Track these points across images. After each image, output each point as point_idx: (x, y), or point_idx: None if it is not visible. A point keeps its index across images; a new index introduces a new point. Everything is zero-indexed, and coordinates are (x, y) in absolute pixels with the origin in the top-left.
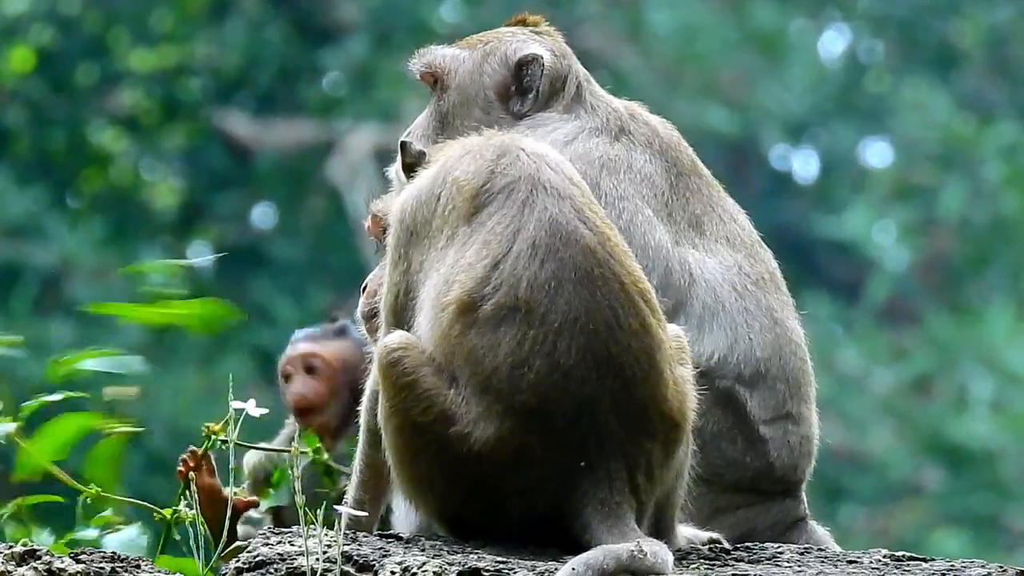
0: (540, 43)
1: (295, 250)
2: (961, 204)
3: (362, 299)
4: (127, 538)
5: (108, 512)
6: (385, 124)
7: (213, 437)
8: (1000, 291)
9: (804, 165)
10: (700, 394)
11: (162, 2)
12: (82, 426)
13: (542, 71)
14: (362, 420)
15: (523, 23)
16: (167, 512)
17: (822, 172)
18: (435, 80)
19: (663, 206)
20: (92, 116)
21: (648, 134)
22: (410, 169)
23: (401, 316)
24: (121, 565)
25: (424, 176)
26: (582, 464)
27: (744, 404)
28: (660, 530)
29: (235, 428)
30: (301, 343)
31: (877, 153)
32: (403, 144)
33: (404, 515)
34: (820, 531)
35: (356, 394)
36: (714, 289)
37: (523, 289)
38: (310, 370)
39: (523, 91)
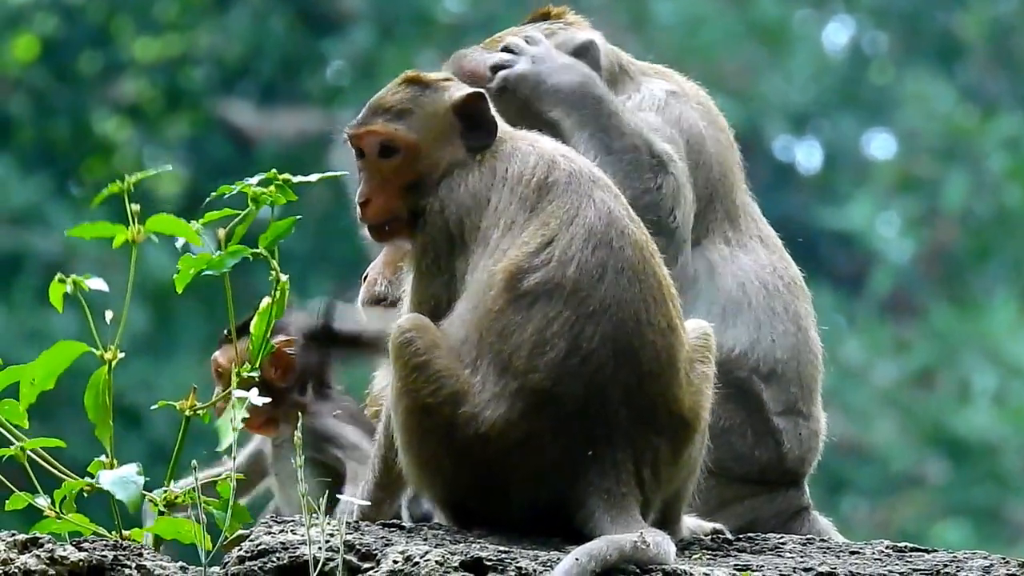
0: (584, 32)
1: (297, 240)
2: (964, 196)
3: (363, 288)
4: (123, 475)
5: (103, 458)
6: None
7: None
8: (1003, 283)
9: (807, 156)
10: (715, 388)
11: None
12: (74, 352)
13: (599, 54)
14: (382, 422)
15: (546, 16)
16: (169, 495)
17: (825, 163)
18: (477, 84)
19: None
20: (95, 105)
21: (703, 104)
22: (471, 121)
23: (436, 321)
24: (123, 553)
25: (468, 180)
26: (589, 453)
27: (759, 394)
28: (665, 521)
29: (237, 416)
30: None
31: (880, 145)
32: (481, 96)
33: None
34: (823, 521)
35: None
36: (743, 284)
37: (572, 269)
38: (219, 376)
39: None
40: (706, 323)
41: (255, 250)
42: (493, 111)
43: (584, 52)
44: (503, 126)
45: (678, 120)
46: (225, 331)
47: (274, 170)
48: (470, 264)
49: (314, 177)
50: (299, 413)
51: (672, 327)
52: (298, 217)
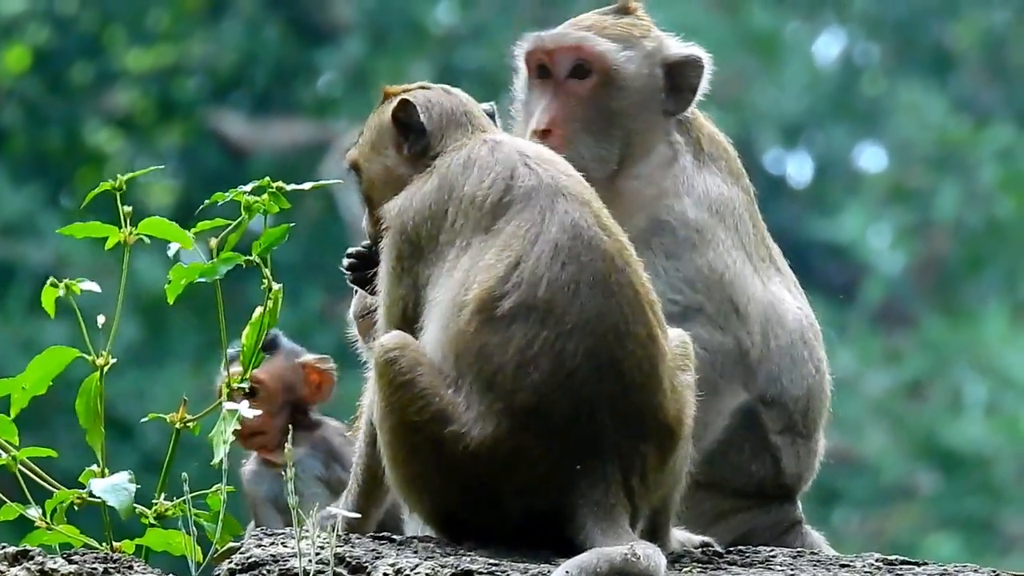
0: (687, 44)
1: (289, 251)
2: (956, 207)
3: (355, 300)
4: (115, 483)
5: (94, 467)
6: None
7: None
8: (995, 294)
9: (799, 168)
10: (714, 405)
11: (158, 1)
12: (66, 358)
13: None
14: (363, 428)
15: (627, 11)
16: (159, 507)
17: (816, 175)
18: (585, 70)
19: (751, 248)
20: (88, 115)
21: (724, 155)
22: (405, 128)
23: (407, 328)
24: (114, 566)
25: (424, 188)
26: (578, 466)
27: (759, 415)
28: (654, 533)
29: (228, 428)
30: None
31: (872, 156)
32: (408, 103)
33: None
34: (815, 535)
35: (295, 408)
36: (790, 332)
37: (543, 289)
38: (252, 394)
39: (677, 90)
40: (682, 331)
41: (248, 257)
42: (422, 115)
43: (682, 66)
44: (463, 127)
45: (707, 193)
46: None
47: (267, 178)
48: (431, 276)
49: (307, 185)
50: (291, 428)
51: (652, 336)
52: (291, 224)
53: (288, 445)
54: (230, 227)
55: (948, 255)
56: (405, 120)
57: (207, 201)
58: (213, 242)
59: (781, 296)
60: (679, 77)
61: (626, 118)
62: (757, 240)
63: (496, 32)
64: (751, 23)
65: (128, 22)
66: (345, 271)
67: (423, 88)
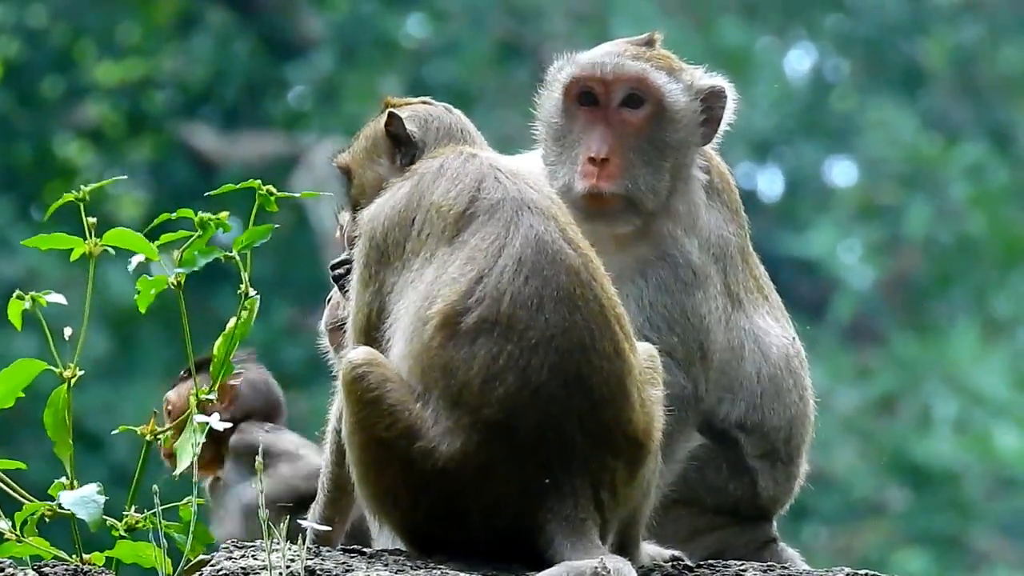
0: (711, 75)
1: (259, 264)
2: (926, 224)
3: (326, 311)
4: (84, 495)
5: (63, 479)
6: (350, 138)
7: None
8: (965, 311)
9: (769, 183)
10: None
11: (129, 15)
12: (33, 371)
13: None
14: (328, 437)
15: (651, 43)
16: (130, 519)
17: (787, 190)
18: (638, 99)
19: (739, 285)
20: (58, 129)
21: (727, 188)
22: (396, 141)
23: (372, 335)
24: None
25: (397, 194)
26: (546, 481)
27: (737, 439)
28: (624, 547)
29: (199, 439)
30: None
31: (842, 172)
32: (395, 116)
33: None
34: (790, 551)
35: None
36: (775, 362)
37: (506, 304)
38: (169, 414)
39: (704, 121)
40: (651, 345)
41: (228, 253)
42: (413, 128)
43: (712, 97)
44: (444, 138)
45: (710, 233)
46: (183, 370)
47: (258, 181)
48: (396, 284)
49: (299, 196)
50: (234, 445)
51: (619, 351)
52: (276, 226)
53: (259, 460)
54: (193, 238)
55: (918, 272)
56: (394, 132)
57: (157, 220)
58: (176, 253)
59: (767, 327)
60: (707, 108)
61: (675, 150)
62: (747, 274)
63: (467, 46)
64: (722, 39)
65: (98, 36)
66: (334, 279)
67: (425, 104)
